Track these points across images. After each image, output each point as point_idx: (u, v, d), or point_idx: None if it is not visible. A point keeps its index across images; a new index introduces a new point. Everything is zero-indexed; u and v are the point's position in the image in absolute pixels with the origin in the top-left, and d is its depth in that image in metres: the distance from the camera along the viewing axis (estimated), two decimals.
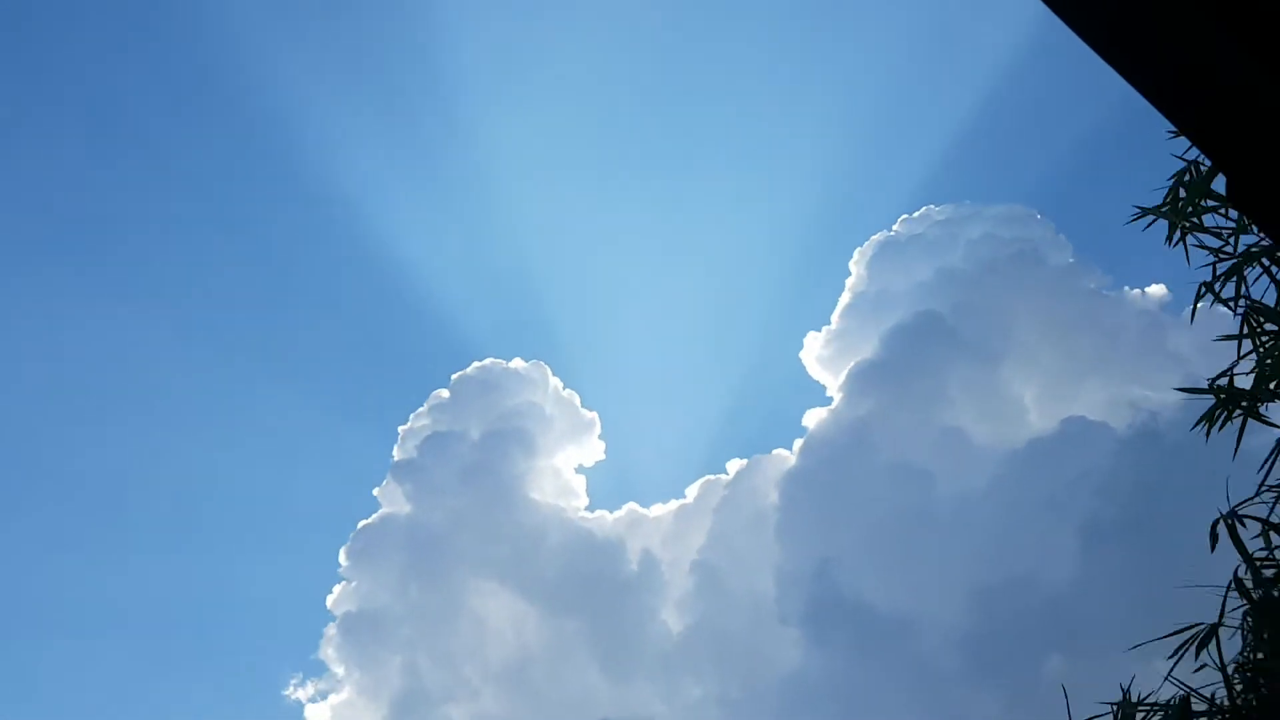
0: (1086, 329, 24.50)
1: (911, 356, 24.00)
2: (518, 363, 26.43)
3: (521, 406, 25.52)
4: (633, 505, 26.17)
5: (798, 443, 24.90)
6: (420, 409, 26.18)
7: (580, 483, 25.73)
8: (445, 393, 26.41)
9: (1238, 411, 7.06)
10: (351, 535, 25.52)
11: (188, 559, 30.37)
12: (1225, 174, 2.40)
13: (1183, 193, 8.01)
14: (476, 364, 26.60)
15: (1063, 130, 27.76)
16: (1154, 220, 8.21)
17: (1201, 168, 8.02)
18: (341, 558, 25.27)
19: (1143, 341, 24.24)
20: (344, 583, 25.27)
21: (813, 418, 24.60)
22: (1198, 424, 7.28)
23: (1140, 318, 24.85)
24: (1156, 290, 25.49)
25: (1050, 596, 18.95)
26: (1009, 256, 24.60)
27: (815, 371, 25.09)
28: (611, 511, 25.76)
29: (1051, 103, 27.48)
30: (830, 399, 24.55)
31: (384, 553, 25.05)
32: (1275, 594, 6.21)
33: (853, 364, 24.41)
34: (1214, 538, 6.70)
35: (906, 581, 22.06)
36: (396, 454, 25.80)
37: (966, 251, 24.59)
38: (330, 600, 25.08)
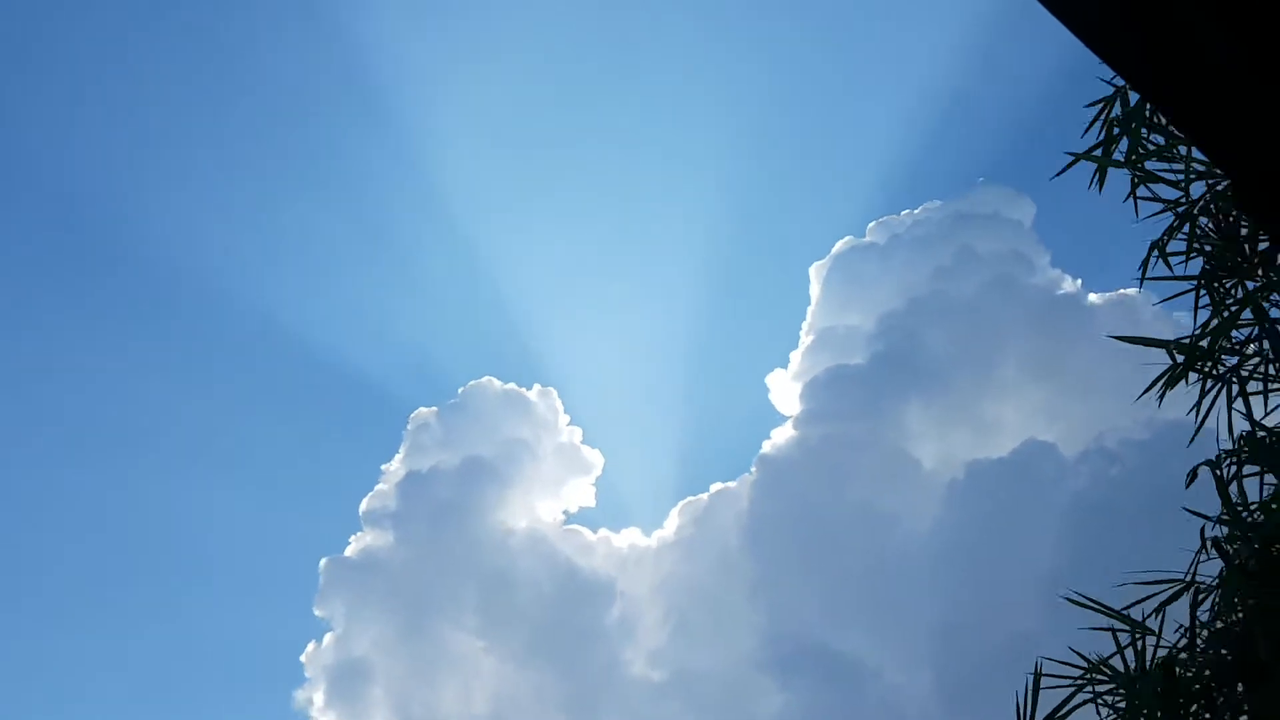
0: (1060, 346, 23.73)
1: (869, 384, 23.71)
2: (513, 385, 25.55)
3: (522, 438, 24.85)
4: (610, 533, 25.33)
5: (753, 471, 24.36)
6: (404, 438, 25.19)
7: (561, 516, 25.13)
8: (432, 413, 25.46)
9: (1195, 375, 6.61)
10: (320, 586, 24.78)
11: (158, 612, 29.62)
12: (1230, 177, 2.35)
13: (1117, 130, 6.85)
14: (473, 382, 25.70)
15: (1036, 114, 27.15)
16: (1096, 174, 6.93)
17: (1130, 96, 6.76)
18: (316, 609, 24.60)
19: (1120, 354, 23.43)
20: (314, 640, 24.67)
21: (769, 445, 24.10)
22: (1148, 390, 6.79)
23: (1116, 320, 23.83)
24: (1132, 291, 24.68)
25: (1020, 631, 18.84)
26: (977, 266, 23.52)
27: (781, 403, 24.67)
28: (595, 534, 25.09)
29: (1021, 88, 26.86)
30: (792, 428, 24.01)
31: (357, 602, 24.42)
32: (1255, 549, 5.95)
33: (809, 391, 23.93)
34: (1191, 478, 6.51)
35: (872, 622, 21.91)
36: (366, 503, 25.09)
37: (936, 262, 23.57)
38: (304, 656, 24.47)
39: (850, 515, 22.75)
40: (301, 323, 28.96)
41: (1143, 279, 6.92)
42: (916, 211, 24.66)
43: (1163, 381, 6.75)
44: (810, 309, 24.56)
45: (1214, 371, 6.57)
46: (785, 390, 24.39)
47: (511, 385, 25.44)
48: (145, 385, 29.15)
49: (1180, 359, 6.63)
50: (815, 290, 24.61)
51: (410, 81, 26.55)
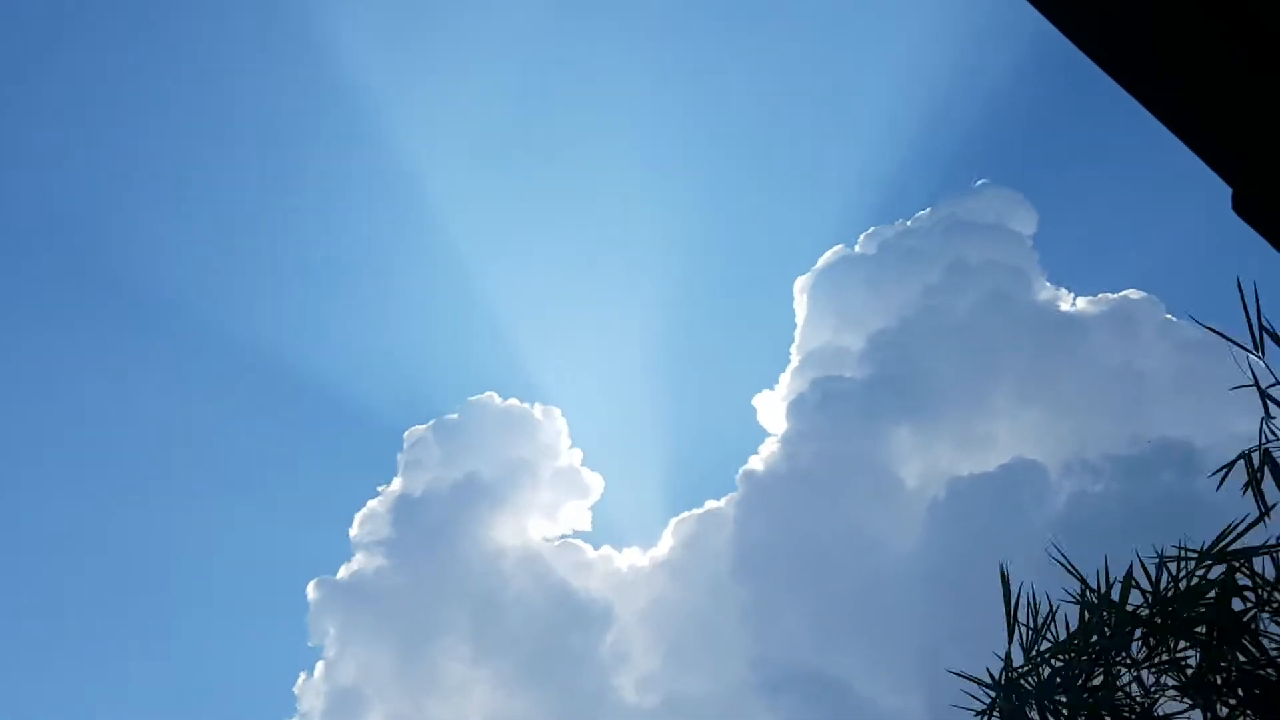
0: (1054, 362, 23.41)
1: (857, 403, 23.53)
2: (514, 401, 25.08)
3: (522, 457, 24.48)
4: (612, 551, 24.75)
5: (731, 496, 23.85)
6: (400, 457, 24.80)
7: (558, 535, 24.75)
8: (429, 430, 24.96)
9: None
10: (311, 611, 24.37)
11: (148, 639, 29.20)
12: (1229, 184, 2.33)
13: None
14: (472, 399, 25.31)
15: (1030, 109, 26.47)
16: None
17: None
18: (309, 640, 24.20)
19: (1112, 368, 23.01)
20: (307, 670, 24.37)
21: (754, 462, 23.53)
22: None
23: (1111, 333, 23.08)
24: (1134, 294, 23.70)
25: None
26: (970, 280, 23.06)
27: (769, 422, 24.39)
28: (595, 551, 24.68)
29: (1012, 83, 26.23)
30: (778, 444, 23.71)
31: (349, 627, 24.01)
32: None
33: (794, 410, 23.68)
34: None
35: (859, 643, 21.78)
36: (358, 525, 24.63)
37: (927, 276, 23.17)
38: (296, 686, 24.15)
39: (837, 534, 22.65)
40: (291, 344, 28.72)
41: None
42: (909, 222, 24.25)
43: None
44: (798, 328, 24.29)
45: None
46: (774, 409, 24.25)
47: (513, 401, 25.13)
48: (136, 409, 28.98)
49: None
50: (804, 306, 24.27)
51: (388, 96, 26.46)
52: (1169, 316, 23.08)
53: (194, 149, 28.00)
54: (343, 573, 24.23)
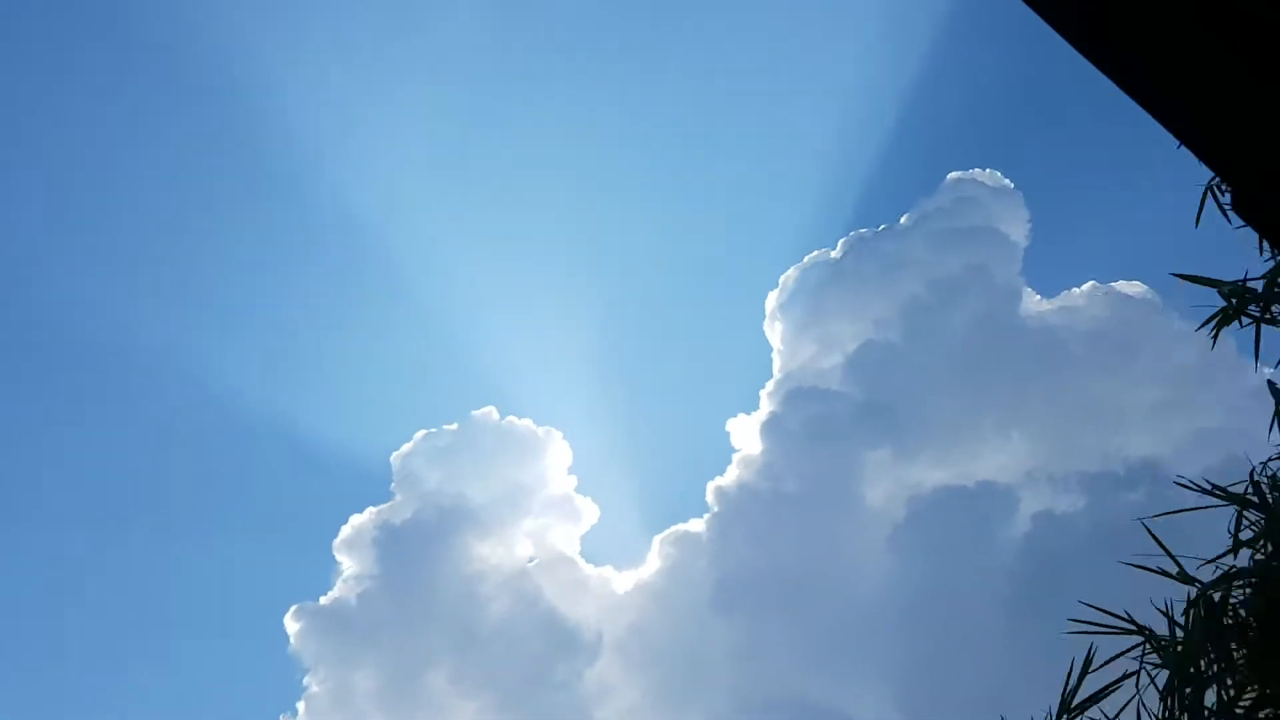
0: (1031, 373, 22.82)
1: (835, 423, 23.26)
2: (512, 419, 24.51)
3: (522, 481, 24.06)
4: (611, 571, 24.42)
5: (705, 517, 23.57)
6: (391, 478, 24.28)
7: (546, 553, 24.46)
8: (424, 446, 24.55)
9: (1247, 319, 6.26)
10: (289, 651, 23.91)
11: (149, 674, 28.66)
12: (1231, 185, 2.33)
13: None
14: (475, 412, 24.79)
15: (1013, 107, 26.24)
16: None
17: None
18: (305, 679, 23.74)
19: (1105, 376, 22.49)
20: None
21: (721, 481, 23.25)
22: (1202, 326, 6.40)
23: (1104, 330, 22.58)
24: (1135, 288, 23.30)
25: (992, 666, 18.64)
26: (951, 290, 22.51)
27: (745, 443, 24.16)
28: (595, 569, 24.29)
29: (985, 74, 26.04)
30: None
31: (333, 659, 23.57)
32: None
33: (767, 430, 23.35)
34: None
35: (837, 666, 21.67)
36: (343, 552, 23.87)
37: (903, 285, 22.70)
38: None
39: (808, 556, 22.53)
40: (284, 390, 28.45)
41: (1197, 221, 6.62)
42: (902, 219, 23.89)
43: (1215, 322, 6.40)
44: (775, 345, 23.98)
45: (1268, 315, 6.26)
46: (749, 430, 24.05)
47: (511, 418, 24.67)
48: (130, 448, 28.86)
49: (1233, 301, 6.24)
50: (780, 316, 23.96)
51: (344, 126, 26.29)
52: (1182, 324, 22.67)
53: (147, 194, 27.62)
54: (325, 600, 23.70)
